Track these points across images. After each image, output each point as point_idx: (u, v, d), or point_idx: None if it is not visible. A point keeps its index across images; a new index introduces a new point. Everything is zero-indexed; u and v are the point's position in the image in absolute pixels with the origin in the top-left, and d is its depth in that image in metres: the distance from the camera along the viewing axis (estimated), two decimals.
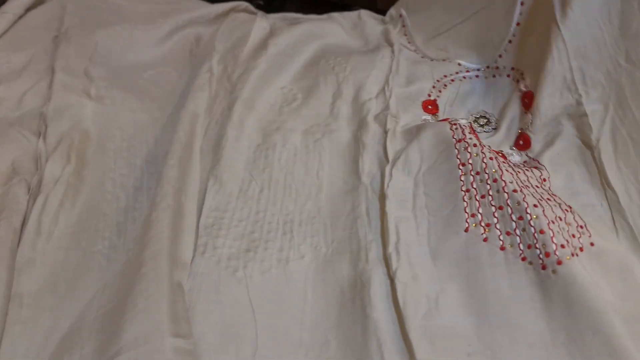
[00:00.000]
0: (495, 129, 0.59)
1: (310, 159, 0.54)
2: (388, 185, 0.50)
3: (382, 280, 0.43)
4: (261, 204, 0.50)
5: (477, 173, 0.48)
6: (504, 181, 0.46)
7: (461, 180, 0.48)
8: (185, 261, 0.44)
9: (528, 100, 0.56)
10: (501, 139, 0.56)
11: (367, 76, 0.61)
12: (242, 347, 0.39)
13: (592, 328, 0.38)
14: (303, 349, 0.40)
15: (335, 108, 0.59)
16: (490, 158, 0.48)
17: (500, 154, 0.52)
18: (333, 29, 0.70)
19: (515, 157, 0.54)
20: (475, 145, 0.49)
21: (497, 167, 0.47)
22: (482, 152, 0.49)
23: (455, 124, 0.52)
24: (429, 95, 0.61)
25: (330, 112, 0.58)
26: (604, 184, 0.49)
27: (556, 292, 0.40)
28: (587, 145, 0.52)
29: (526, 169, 0.50)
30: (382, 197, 0.49)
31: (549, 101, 0.54)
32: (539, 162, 0.52)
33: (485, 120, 0.60)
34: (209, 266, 0.44)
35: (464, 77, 0.64)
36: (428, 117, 0.60)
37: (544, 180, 0.50)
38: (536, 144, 0.54)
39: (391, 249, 0.45)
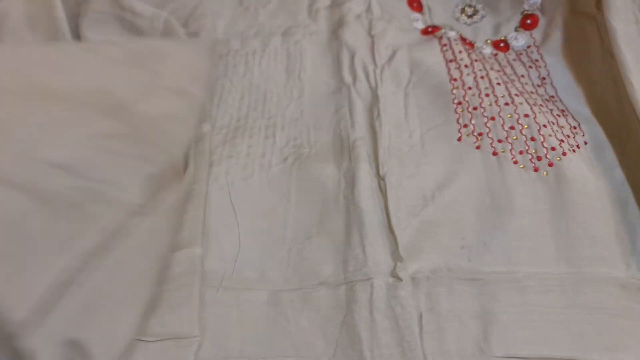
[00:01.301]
0: (484, 16, 0.57)
1: (291, 62, 0.52)
2: (378, 89, 0.48)
3: (368, 179, 0.42)
4: (242, 111, 0.49)
5: (469, 88, 0.48)
6: (496, 96, 0.47)
7: (453, 93, 0.48)
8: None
9: None
10: (500, 20, 0.55)
11: None
12: (225, 249, 0.39)
13: (577, 221, 0.40)
14: (286, 246, 0.40)
15: (314, 9, 0.56)
16: (482, 77, 0.49)
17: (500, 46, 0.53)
18: None
19: (520, 42, 0.53)
20: (466, 65, 0.50)
21: (488, 84, 0.48)
22: (474, 72, 0.49)
23: (445, 45, 0.52)
24: None
25: (308, 13, 0.56)
26: None
27: (546, 191, 0.41)
28: None
29: (524, 70, 0.51)
30: (370, 100, 0.48)
31: None
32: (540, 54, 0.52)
33: (472, 10, 0.58)
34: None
35: None
36: (417, 16, 0.57)
37: (543, 79, 0.51)
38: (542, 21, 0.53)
39: (382, 151, 0.44)
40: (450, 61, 0.50)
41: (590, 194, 0.41)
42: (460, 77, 0.49)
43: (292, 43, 0.53)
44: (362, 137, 0.45)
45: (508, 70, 0.52)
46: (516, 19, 0.55)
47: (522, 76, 0.51)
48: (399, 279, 0.37)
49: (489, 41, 0.55)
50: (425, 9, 0.58)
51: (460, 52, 0.51)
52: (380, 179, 0.42)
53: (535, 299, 0.37)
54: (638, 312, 0.37)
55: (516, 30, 0.55)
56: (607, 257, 0.38)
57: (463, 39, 0.54)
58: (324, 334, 0.35)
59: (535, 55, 0.53)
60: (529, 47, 0.53)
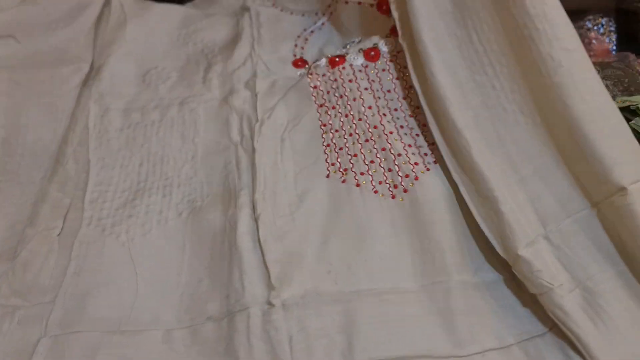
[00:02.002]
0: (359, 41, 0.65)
1: (187, 129, 0.59)
2: (257, 141, 0.55)
3: (248, 221, 0.48)
4: (142, 175, 0.55)
5: (336, 131, 0.56)
6: (358, 134, 0.54)
7: (322, 137, 0.56)
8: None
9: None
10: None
11: (234, 49, 0.66)
12: (124, 297, 0.44)
13: (429, 237, 0.46)
14: (180, 290, 0.45)
15: (207, 80, 0.63)
16: (346, 115, 0.56)
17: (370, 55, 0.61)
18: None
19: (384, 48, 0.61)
20: (334, 107, 0.57)
21: (352, 122, 0.56)
22: (339, 112, 0.57)
23: (315, 87, 0.60)
24: (295, 55, 0.67)
25: (203, 83, 0.63)
26: None
27: (403, 215, 0.48)
28: None
29: (392, 83, 0.58)
30: (252, 152, 0.55)
31: None
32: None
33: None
34: (94, 235, 0.49)
35: (323, 24, 0.70)
36: (303, 71, 0.65)
37: (410, 87, 0.57)
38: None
39: (258, 195, 0.50)
40: (321, 106, 0.57)
41: (441, 210, 0.48)
42: (329, 120, 0.56)
43: (188, 111, 0.60)
44: (247, 186, 0.51)
45: (375, 85, 0.59)
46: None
47: (389, 91, 0.58)
48: (273, 305, 0.42)
49: (360, 50, 0.61)
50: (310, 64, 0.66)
51: (328, 92, 0.58)
52: (256, 220, 0.48)
53: (393, 309, 0.43)
54: (485, 308, 0.43)
55: (387, 36, 0.62)
56: (455, 265, 0.45)
57: (333, 60, 0.61)
58: None
59: (404, 62, 0.58)
60: (399, 52, 0.59)
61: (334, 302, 0.43)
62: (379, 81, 0.59)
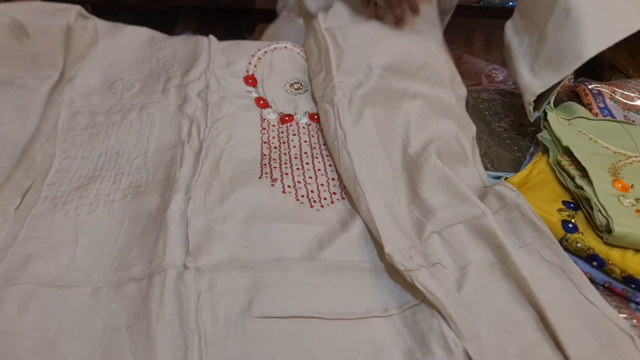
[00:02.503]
0: (307, 90, 0.73)
1: (143, 128, 0.67)
2: (205, 143, 0.63)
3: (180, 202, 0.55)
4: (98, 165, 0.62)
5: (274, 159, 0.64)
6: (291, 165, 0.63)
7: (261, 159, 0.64)
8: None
9: None
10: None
11: (192, 66, 0.75)
12: (62, 259, 0.51)
13: (334, 232, 0.56)
14: (112, 256, 0.52)
15: (166, 90, 0.72)
16: (284, 153, 0.65)
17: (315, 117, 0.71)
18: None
19: None
20: (275, 147, 0.66)
21: (287, 158, 0.64)
22: (279, 150, 0.66)
23: (265, 128, 0.69)
24: (247, 71, 0.75)
25: (162, 93, 0.72)
26: None
27: (314, 216, 0.57)
28: None
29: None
30: (198, 150, 0.62)
31: None
32: None
33: (299, 85, 0.74)
34: (46, 210, 0.56)
35: (275, 49, 0.79)
36: (251, 89, 0.74)
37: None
38: None
39: (194, 182, 0.57)
40: (265, 142, 0.67)
41: (348, 219, 0.57)
42: (269, 153, 0.65)
43: (146, 115, 0.68)
44: (185, 175, 0.59)
45: (314, 139, 0.68)
46: None
47: (324, 144, 0.67)
48: (187, 268, 0.48)
49: (306, 113, 0.71)
50: (259, 83, 0.74)
51: (274, 137, 0.68)
52: (186, 201, 0.55)
53: (294, 277, 0.49)
54: (375, 286, 0.50)
55: None
56: (352, 252, 0.53)
57: (283, 118, 0.70)
58: (127, 312, 0.46)
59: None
60: None
61: (243, 269, 0.50)
62: (317, 136, 0.69)
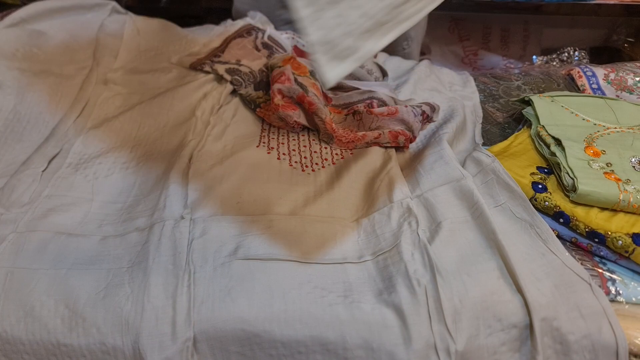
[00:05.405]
0: None
1: (164, 107, 0.74)
2: (211, 118, 0.70)
3: (183, 165, 0.62)
4: (119, 137, 0.69)
5: (272, 132, 0.70)
6: (287, 138, 0.69)
7: (263, 129, 0.71)
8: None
9: None
10: None
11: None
12: (78, 213, 0.58)
13: (323, 191, 0.61)
14: (123, 210, 0.59)
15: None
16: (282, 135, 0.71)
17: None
18: None
19: None
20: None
21: (285, 132, 0.70)
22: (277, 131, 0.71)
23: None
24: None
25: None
26: None
27: (304, 178, 0.63)
28: None
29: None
30: (206, 124, 0.69)
31: None
32: None
33: None
34: (69, 173, 0.63)
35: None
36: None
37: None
38: None
39: (196, 152, 0.64)
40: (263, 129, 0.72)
41: (335, 178, 0.62)
42: (269, 128, 0.71)
43: (170, 95, 0.76)
44: (191, 144, 0.65)
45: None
46: None
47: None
48: (184, 218, 0.55)
49: None
50: None
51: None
52: (189, 165, 0.62)
53: (278, 228, 0.54)
54: (353, 236, 0.55)
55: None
56: (339, 210, 0.58)
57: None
58: (129, 255, 0.53)
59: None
60: None
61: (233, 220, 0.55)
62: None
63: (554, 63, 1.35)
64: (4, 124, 0.68)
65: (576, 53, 1.26)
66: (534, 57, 1.35)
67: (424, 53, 1.41)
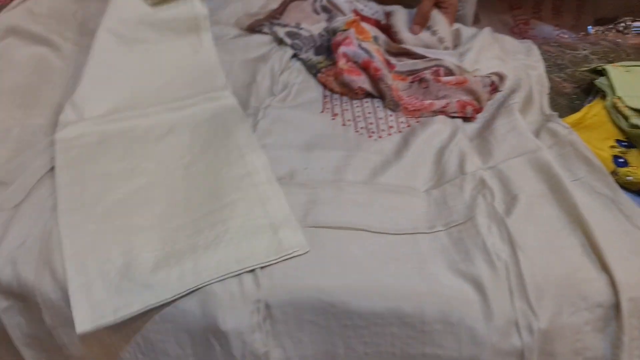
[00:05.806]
0: None
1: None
2: (280, 77, 0.70)
3: (248, 129, 0.61)
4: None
5: (335, 99, 0.68)
6: (351, 104, 0.67)
7: (325, 95, 0.68)
8: None
9: None
10: None
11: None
12: None
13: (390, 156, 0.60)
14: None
15: None
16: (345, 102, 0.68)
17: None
18: None
19: None
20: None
21: (347, 98, 0.68)
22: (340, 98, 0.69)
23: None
24: None
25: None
26: None
27: (372, 144, 0.61)
28: None
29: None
30: (271, 83, 0.69)
31: None
32: None
33: None
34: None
35: None
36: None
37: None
38: None
39: (261, 113, 0.64)
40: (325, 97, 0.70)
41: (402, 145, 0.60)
42: (331, 94, 0.69)
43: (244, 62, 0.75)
44: (254, 106, 0.65)
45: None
46: None
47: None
48: None
49: None
50: None
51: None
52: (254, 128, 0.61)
53: (347, 196, 0.53)
54: (422, 206, 0.53)
55: None
56: (404, 177, 0.56)
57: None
58: None
59: None
60: None
61: (301, 186, 0.54)
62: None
63: (611, 33, 1.30)
64: None
65: (635, 24, 1.20)
66: (589, 27, 1.30)
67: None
